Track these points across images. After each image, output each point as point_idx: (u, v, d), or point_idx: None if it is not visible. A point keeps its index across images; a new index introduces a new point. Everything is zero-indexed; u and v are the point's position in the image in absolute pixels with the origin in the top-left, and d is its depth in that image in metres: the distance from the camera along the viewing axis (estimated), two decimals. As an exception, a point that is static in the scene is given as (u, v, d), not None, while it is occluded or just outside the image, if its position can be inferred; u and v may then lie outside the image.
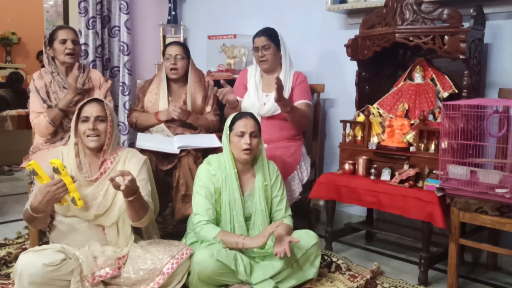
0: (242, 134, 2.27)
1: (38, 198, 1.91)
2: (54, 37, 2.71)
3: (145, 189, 2.15)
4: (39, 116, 2.66)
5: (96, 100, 2.17)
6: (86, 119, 2.12)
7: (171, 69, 2.96)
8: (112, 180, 1.88)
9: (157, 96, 3.00)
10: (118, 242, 2.15)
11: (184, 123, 2.92)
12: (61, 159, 2.12)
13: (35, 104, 2.68)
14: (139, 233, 2.27)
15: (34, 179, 2.49)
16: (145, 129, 2.98)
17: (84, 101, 2.16)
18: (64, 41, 2.70)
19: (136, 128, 3.04)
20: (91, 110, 2.13)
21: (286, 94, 2.90)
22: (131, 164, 2.18)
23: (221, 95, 2.76)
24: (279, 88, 2.65)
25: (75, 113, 2.15)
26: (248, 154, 2.28)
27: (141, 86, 3.18)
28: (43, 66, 2.83)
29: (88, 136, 2.11)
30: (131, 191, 1.93)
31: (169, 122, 2.92)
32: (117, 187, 1.90)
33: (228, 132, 2.32)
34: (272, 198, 2.40)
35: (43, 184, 1.92)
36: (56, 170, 1.91)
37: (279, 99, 2.71)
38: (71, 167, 2.11)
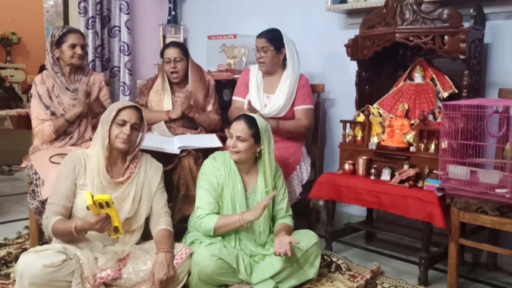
0: (231, 136, 2.33)
1: (85, 227, 1.94)
2: (63, 39, 2.69)
3: (163, 197, 2.27)
4: (43, 123, 2.64)
5: (135, 107, 2.17)
6: (124, 123, 2.11)
7: (171, 73, 2.97)
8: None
9: (161, 97, 3.01)
10: (128, 243, 2.16)
11: (184, 123, 2.93)
12: (82, 164, 2.13)
13: (37, 110, 2.66)
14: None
15: (35, 179, 2.50)
16: (150, 125, 2.98)
17: (123, 105, 2.14)
18: (73, 46, 2.69)
19: None
20: (129, 116, 2.12)
21: (290, 98, 2.91)
22: (152, 172, 2.25)
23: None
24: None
25: (111, 116, 2.11)
26: (233, 154, 2.32)
27: (145, 84, 3.19)
28: (42, 68, 2.81)
29: (119, 139, 2.11)
30: None
31: (170, 121, 2.92)
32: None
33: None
34: (273, 197, 2.40)
35: (91, 219, 1.90)
36: (103, 205, 1.88)
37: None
38: (99, 168, 2.11)
